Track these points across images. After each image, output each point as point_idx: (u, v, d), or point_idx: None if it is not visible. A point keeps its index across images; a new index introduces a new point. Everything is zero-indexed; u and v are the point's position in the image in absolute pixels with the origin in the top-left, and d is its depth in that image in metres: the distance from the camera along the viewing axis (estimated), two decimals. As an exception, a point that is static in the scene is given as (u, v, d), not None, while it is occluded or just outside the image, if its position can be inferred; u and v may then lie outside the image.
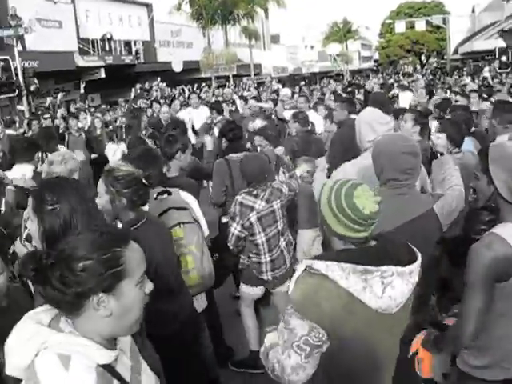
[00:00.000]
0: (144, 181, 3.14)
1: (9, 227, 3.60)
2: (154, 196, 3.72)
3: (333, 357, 2.16)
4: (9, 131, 11.23)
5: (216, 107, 10.40)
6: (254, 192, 4.66)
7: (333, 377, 2.25)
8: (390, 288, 2.09)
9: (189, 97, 16.86)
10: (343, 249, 2.23)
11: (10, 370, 1.62)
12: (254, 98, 11.93)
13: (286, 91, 14.81)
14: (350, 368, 2.19)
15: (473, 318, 2.47)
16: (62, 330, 1.64)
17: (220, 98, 19.06)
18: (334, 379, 2.26)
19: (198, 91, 26.49)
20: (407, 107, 8.30)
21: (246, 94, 19.85)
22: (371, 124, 4.07)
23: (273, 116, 10.58)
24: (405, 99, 10.04)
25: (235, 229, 4.63)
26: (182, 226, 3.67)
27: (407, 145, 3.07)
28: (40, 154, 5.89)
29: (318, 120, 8.92)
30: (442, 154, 4.38)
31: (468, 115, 6.23)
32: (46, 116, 13.31)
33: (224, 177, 5.44)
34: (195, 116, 10.79)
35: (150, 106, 15.57)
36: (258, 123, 9.72)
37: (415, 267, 2.15)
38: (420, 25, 53.52)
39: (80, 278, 1.57)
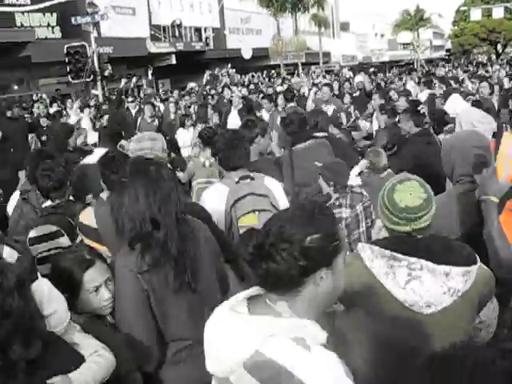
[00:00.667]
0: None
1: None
2: (236, 180, 3.67)
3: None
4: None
5: (287, 95, 10.33)
6: (337, 203, 4.59)
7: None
8: (418, 282, 2.10)
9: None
10: (385, 236, 2.33)
11: (213, 368, 1.60)
12: (327, 84, 11.66)
13: (360, 78, 14.51)
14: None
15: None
16: (281, 315, 1.58)
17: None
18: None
19: (267, 79, 26.51)
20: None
21: (317, 81, 19.57)
22: (473, 122, 4.03)
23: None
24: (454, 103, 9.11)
25: None
26: (256, 213, 3.60)
27: (478, 139, 3.06)
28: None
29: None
30: None
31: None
32: (130, 100, 13.22)
33: (287, 168, 5.31)
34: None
35: (221, 92, 15.56)
36: (330, 109, 9.57)
37: (457, 271, 2.09)
38: (498, 12, 51.36)
39: (309, 251, 1.55)
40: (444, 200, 2.90)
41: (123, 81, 16.17)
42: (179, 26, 33.94)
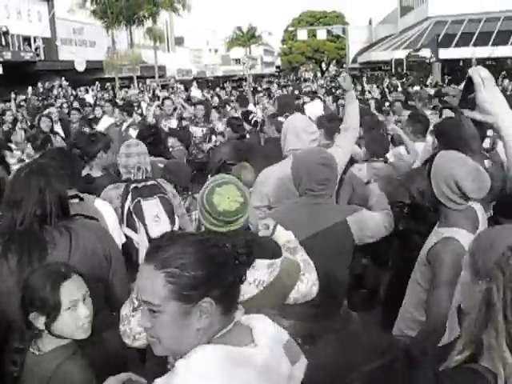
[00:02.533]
0: None
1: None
2: None
3: None
4: None
5: (127, 109, 10.20)
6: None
7: None
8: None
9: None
10: None
11: None
12: (167, 98, 11.92)
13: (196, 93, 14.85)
14: None
15: (440, 317, 2.52)
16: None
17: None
18: None
19: (102, 92, 26.02)
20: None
21: (160, 94, 19.65)
22: (297, 132, 4.05)
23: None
24: (314, 109, 9.83)
25: None
26: None
27: (323, 156, 3.25)
28: None
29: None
30: (367, 183, 4.68)
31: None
32: None
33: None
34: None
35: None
36: (174, 123, 9.78)
37: (262, 263, 2.24)
38: (321, 33, 55.48)
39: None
40: (290, 207, 3.26)
41: None
42: (6, 33, 32.13)
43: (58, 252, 2.54)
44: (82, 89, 25.13)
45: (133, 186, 3.87)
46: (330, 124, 5.55)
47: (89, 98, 17.99)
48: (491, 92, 1.91)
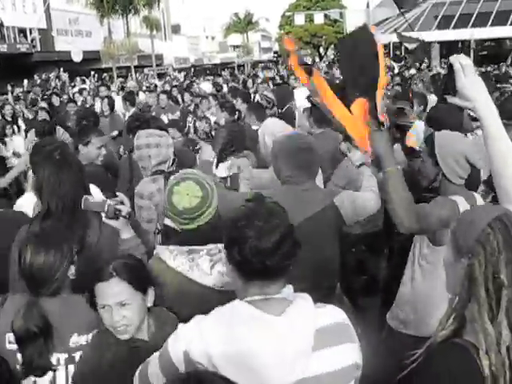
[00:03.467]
0: None
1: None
2: None
3: None
4: None
5: (129, 98, 10.00)
6: None
7: None
8: (221, 264, 2.20)
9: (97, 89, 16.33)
10: (174, 238, 2.43)
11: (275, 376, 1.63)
12: (164, 92, 11.78)
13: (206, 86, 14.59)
14: None
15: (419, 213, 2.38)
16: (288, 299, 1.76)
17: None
18: None
19: (100, 82, 25.87)
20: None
21: (158, 83, 19.48)
22: (274, 134, 4.11)
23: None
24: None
25: None
26: None
27: (303, 141, 3.17)
28: None
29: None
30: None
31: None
32: None
33: (125, 174, 5.16)
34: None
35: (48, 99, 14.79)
36: (164, 119, 9.65)
37: None
38: (318, 18, 54.98)
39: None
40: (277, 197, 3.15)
41: None
42: (1, 25, 31.96)
43: (91, 233, 2.69)
44: (79, 79, 24.99)
45: (172, 177, 3.81)
46: (319, 111, 5.51)
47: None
48: (471, 79, 1.95)
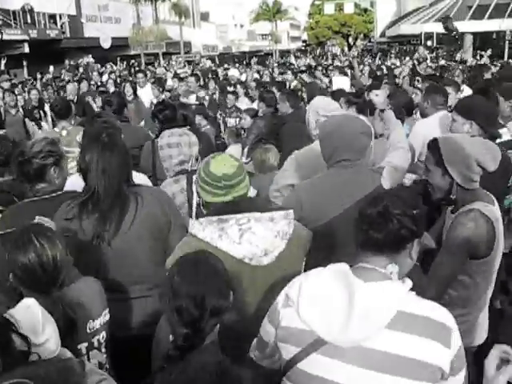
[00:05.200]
0: None
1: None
2: None
3: None
4: None
5: (159, 84, 10.04)
6: None
7: None
8: (250, 233, 2.24)
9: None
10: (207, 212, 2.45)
11: (343, 337, 1.68)
12: (193, 75, 11.71)
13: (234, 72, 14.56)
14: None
15: (441, 283, 2.60)
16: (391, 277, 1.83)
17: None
18: None
19: (127, 68, 25.92)
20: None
21: (179, 71, 19.45)
22: (318, 111, 4.00)
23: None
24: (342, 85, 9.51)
25: None
26: None
27: (363, 125, 3.05)
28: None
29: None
30: (382, 111, 4.30)
31: (407, 99, 6.34)
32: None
33: (147, 160, 5.06)
34: (142, 95, 10.32)
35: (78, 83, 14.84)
36: (192, 99, 9.58)
37: (280, 214, 2.30)
38: (348, 7, 54.25)
39: (415, 219, 1.84)
40: (325, 179, 3.01)
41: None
42: (31, 11, 32.10)
43: (128, 214, 2.80)
44: (107, 66, 25.06)
45: (195, 177, 3.70)
46: (359, 99, 5.42)
47: (104, 78, 17.76)
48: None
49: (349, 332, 1.66)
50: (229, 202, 2.35)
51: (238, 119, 8.91)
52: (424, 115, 5.30)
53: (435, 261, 2.63)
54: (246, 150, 5.73)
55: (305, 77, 12.58)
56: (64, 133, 5.30)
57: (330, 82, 11.07)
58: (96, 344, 2.36)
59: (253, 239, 2.23)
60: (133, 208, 2.82)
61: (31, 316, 1.83)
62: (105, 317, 2.41)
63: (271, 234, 2.25)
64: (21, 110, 9.81)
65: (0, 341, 1.60)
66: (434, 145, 2.71)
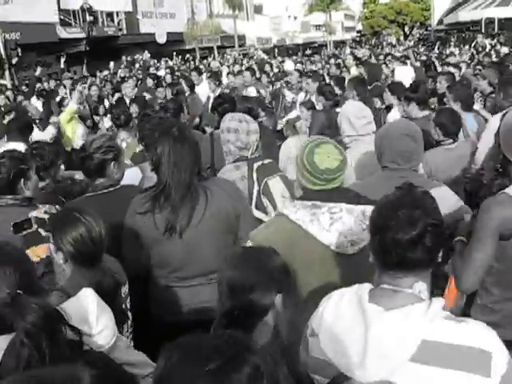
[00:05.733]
0: None
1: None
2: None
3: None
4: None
5: (215, 78, 10.11)
6: None
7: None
8: (341, 223, 2.29)
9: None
10: (302, 194, 2.49)
11: (369, 372, 1.56)
12: (248, 69, 11.74)
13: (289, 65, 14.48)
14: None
15: (475, 269, 2.50)
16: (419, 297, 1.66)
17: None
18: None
19: (182, 63, 26.21)
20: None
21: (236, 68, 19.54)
22: (349, 119, 4.17)
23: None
24: (404, 75, 9.11)
25: None
26: None
27: (407, 127, 3.13)
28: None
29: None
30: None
31: (468, 91, 6.13)
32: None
33: (206, 151, 5.02)
34: (199, 91, 10.36)
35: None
36: (252, 91, 9.60)
37: (370, 209, 2.20)
38: (404, -5, 53.27)
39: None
40: (374, 181, 3.08)
41: (39, 69, 15.54)
42: (89, 9, 32.82)
43: (198, 207, 2.86)
44: (163, 61, 25.39)
45: (256, 165, 3.71)
46: (417, 94, 5.34)
47: (161, 73, 17.94)
48: None
49: (367, 369, 1.56)
50: (324, 190, 2.39)
51: (295, 95, 8.97)
52: (497, 108, 5.12)
53: (466, 248, 2.59)
54: None
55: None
56: (124, 145, 5.38)
57: (392, 71, 10.83)
58: (129, 306, 2.70)
59: (342, 229, 2.28)
60: (203, 202, 2.87)
61: (86, 306, 1.91)
62: (127, 285, 2.70)
63: (360, 228, 2.28)
64: (87, 107, 10.07)
65: (47, 332, 1.61)
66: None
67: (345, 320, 1.66)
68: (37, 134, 6.46)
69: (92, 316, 1.89)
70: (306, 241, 2.31)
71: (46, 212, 3.17)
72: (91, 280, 2.32)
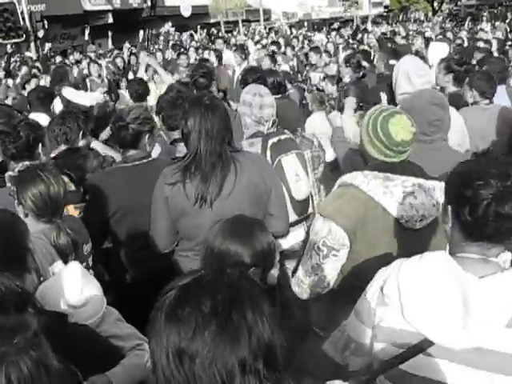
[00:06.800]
0: None
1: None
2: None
3: (346, 265, 2.37)
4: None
5: (240, 51, 10.08)
6: None
7: (337, 290, 2.45)
8: (413, 197, 2.27)
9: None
10: (370, 164, 2.45)
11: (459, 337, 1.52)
12: (273, 43, 11.61)
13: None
14: (357, 278, 2.18)
15: None
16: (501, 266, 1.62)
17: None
18: (339, 293, 2.43)
19: (207, 37, 25.98)
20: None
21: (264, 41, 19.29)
22: (409, 75, 3.98)
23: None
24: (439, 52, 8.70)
25: None
26: None
27: (433, 95, 3.14)
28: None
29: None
30: None
31: (502, 64, 5.99)
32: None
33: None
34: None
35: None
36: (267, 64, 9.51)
37: (440, 185, 2.23)
38: (434, -32, 51.94)
39: None
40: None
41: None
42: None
43: (229, 179, 2.82)
44: (185, 34, 25.19)
45: (270, 141, 3.63)
46: (460, 68, 5.13)
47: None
48: None
49: (465, 335, 1.51)
50: (394, 162, 2.37)
51: (321, 74, 8.86)
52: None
53: None
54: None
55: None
56: None
57: (427, 46, 10.55)
58: (91, 264, 2.88)
59: (414, 203, 2.26)
60: (233, 173, 2.83)
61: (68, 280, 2.02)
62: (90, 244, 2.88)
63: (430, 203, 2.27)
64: (105, 80, 10.01)
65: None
66: None
67: (437, 286, 1.56)
68: (58, 105, 6.38)
69: (75, 290, 1.98)
70: (377, 213, 2.30)
71: None
72: (48, 235, 2.56)
